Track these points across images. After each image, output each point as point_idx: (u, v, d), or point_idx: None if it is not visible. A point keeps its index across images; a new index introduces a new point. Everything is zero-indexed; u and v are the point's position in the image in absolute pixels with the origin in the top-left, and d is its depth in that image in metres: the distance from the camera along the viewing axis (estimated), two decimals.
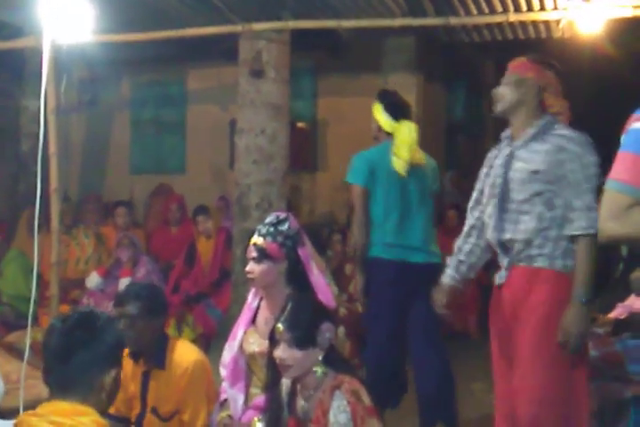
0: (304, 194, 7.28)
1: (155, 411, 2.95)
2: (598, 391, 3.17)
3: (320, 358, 2.42)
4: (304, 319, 2.43)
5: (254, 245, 2.86)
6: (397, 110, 3.83)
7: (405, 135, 3.73)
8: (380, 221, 3.70)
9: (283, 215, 2.95)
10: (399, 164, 3.69)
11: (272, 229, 2.87)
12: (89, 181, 7.97)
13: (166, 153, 8.00)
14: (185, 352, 3.00)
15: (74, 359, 1.88)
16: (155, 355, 2.93)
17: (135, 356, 2.96)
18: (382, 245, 3.68)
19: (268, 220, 2.92)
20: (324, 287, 2.89)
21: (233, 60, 5.40)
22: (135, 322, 2.87)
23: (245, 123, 5.24)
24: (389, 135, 3.78)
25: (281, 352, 2.41)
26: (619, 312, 3.57)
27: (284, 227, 2.88)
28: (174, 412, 2.95)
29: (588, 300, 2.55)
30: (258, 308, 2.99)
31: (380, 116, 3.82)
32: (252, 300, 3.01)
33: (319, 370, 2.42)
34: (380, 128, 3.83)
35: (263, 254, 2.84)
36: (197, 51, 6.56)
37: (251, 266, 2.86)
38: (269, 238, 2.85)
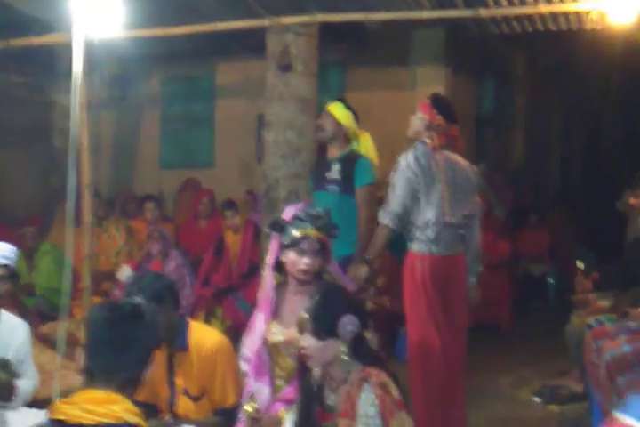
0: None
1: (186, 392, 3.00)
2: (630, 386, 3.13)
3: (343, 349, 2.43)
4: (326, 311, 2.46)
5: (317, 238, 2.85)
6: (357, 121, 4.34)
7: (372, 146, 4.35)
8: None
9: (321, 209, 2.96)
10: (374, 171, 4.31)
11: (325, 223, 2.89)
12: (119, 175, 8.05)
13: (195, 147, 8.04)
14: (207, 334, 3.06)
15: (130, 352, 1.95)
16: (177, 338, 2.96)
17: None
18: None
19: (313, 212, 2.91)
20: (340, 275, 3.02)
21: (261, 55, 5.41)
22: None
23: (273, 117, 5.24)
24: (347, 140, 4.30)
25: (304, 341, 2.46)
26: None
27: (327, 221, 2.92)
28: (203, 391, 2.99)
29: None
30: (277, 298, 2.99)
31: (350, 121, 4.30)
32: (269, 290, 3.00)
33: (345, 363, 2.43)
34: (345, 131, 4.30)
35: (323, 248, 2.88)
36: (225, 45, 6.58)
37: (312, 259, 2.85)
38: (325, 233, 2.88)
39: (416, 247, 3.66)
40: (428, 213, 3.58)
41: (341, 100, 4.45)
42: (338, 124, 4.30)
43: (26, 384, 3.12)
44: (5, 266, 3.10)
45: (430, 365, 3.54)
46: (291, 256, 2.88)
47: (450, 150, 3.75)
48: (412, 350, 3.63)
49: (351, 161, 4.22)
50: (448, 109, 3.74)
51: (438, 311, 3.58)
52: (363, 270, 3.66)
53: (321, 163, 4.48)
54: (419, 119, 3.72)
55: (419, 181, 3.57)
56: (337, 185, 4.22)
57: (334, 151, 4.34)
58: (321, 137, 4.42)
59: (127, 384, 1.96)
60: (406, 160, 3.63)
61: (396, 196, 3.62)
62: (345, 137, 4.34)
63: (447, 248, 3.62)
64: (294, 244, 2.86)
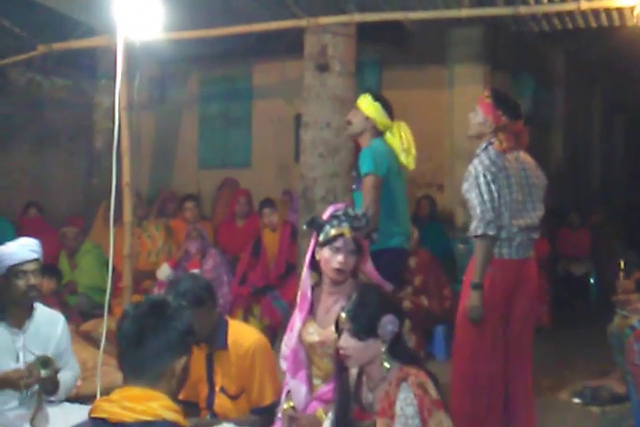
0: None
1: (224, 390, 3.03)
2: None
3: (383, 349, 2.43)
4: (366, 311, 2.45)
5: (353, 238, 2.88)
6: (391, 111, 4.12)
7: (409, 134, 4.10)
8: (388, 211, 3.92)
9: (359, 210, 2.99)
10: (410, 159, 4.08)
11: (363, 224, 2.91)
12: (158, 175, 8.15)
13: (232, 147, 8.10)
14: (245, 333, 3.08)
15: (145, 345, 1.92)
16: (216, 338, 2.99)
17: (197, 341, 3.04)
18: (399, 235, 4.02)
19: (352, 213, 2.93)
20: (374, 274, 3.02)
21: (298, 55, 5.43)
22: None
23: (311, 116, 5.26)
24: (378, 133, 4.07)
25: (342, 341, 2.46)
26: None
27: (365, 222, 2.94)
28: (241, 390, 3.02)
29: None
30: (314, 298, 3.01)
31: (378, 113, 4.06)
32: (306, 290, 3.02)
33: (385, 363, 2.43)
34: (373, 124, 4.07)
35: (359, 248, 2.90)
36: (263, 46, 6.62)
37: (346, 258, 2.88)
38: (361, 233, 2.91)
39: None
40: (502, 218, 3.40)
41: (371, 91, 4.22)
42: (365, 118, 4.07)
43: (67, 376, 3.17)
44: (37, 260, 3.14)
45: (477, 367, 3.41)
46: (325, 254, 2.91)
47: (517, 147, 3.54)
48: (460, 351, 3.50)
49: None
50: (511, 106, 3.49)
51: (498, 316, 3.41)
52: (475, 297, 3.36)
53: None
54: (482, 119, 3.48)
55: (497, 183, 3.39)
56: (355, 182, 4.13)
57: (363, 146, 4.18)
58: (349, 132, 4.24)
59: (156, 380, 1.93)
60: (482, 164, 3.42)
61: (483, 202, 3.37)
62: (374, 129, 4.09)
63: (518, 252, 3.45)
64: (329, 242, 2.89)
